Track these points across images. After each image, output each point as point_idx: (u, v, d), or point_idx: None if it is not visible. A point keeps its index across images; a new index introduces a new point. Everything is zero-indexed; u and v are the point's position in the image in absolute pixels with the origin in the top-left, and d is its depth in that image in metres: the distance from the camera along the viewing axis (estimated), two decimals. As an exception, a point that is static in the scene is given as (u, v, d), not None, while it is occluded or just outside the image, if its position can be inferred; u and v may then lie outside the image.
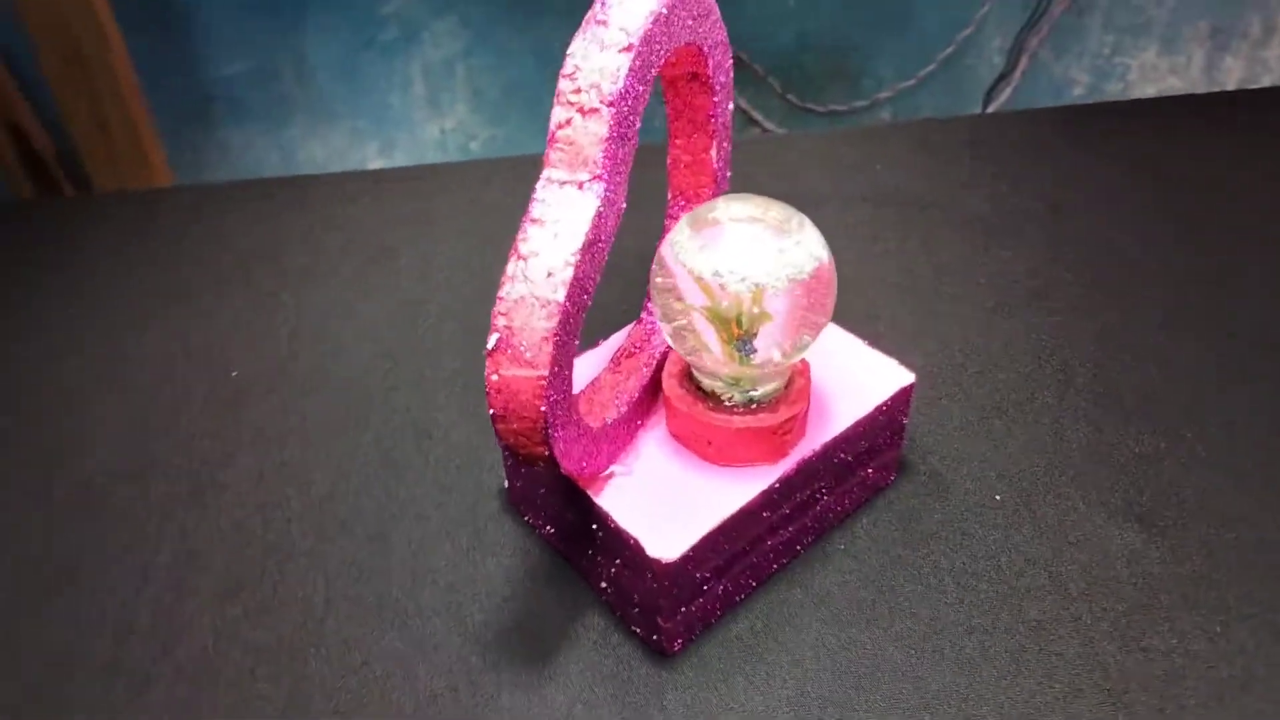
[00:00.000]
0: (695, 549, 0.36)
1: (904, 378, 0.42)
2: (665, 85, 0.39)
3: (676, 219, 0.43)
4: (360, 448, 0.48)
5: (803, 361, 0.40)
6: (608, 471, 0.39)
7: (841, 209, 0.64)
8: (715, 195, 0.42)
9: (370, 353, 0.54)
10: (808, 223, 0.36)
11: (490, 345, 0.31)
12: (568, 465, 0.34)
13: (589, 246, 0.31)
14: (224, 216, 0.66)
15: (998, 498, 0.45)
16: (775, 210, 0.36)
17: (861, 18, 1.17)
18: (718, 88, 0.39)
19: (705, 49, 0.37)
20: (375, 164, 1.17)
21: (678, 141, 0.41)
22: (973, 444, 0.47)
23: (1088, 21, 1.18)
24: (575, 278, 0.31)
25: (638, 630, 0.39)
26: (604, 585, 0.40)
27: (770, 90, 1.19)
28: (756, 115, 1.21)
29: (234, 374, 0.53)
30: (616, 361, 0.41)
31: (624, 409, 0.39)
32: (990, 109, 1.22)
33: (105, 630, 0.41)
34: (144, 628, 0.41)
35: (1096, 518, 0.44)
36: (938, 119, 0.75)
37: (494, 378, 0.31)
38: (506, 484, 0.45)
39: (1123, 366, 0.52)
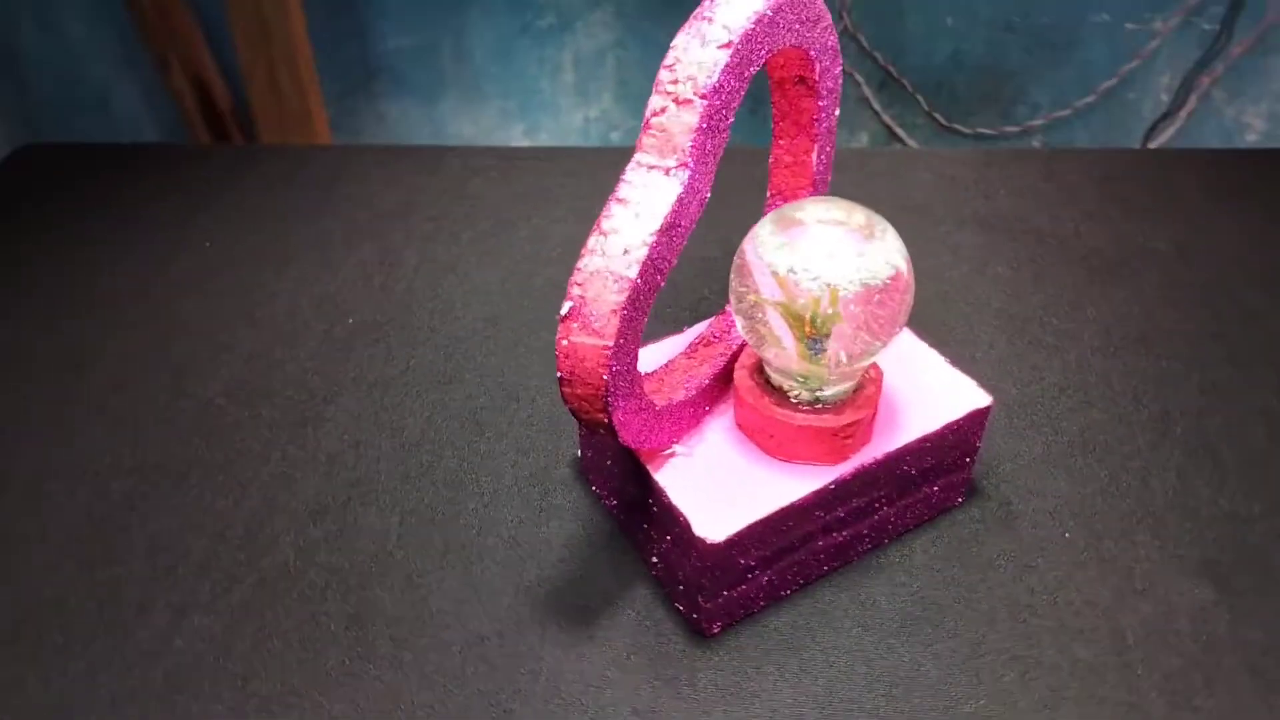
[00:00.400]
0: (741, 535, 0.37)
1: (980, 399, 0.42)
2: (773, 86, 0.40)
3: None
4: (452, 402, 0.51)
5: (877, 370, 0.41)
6: (670, 450, 0.40)
7: (955, 229, 0.63)
8: (814, 194, 0.43)
9: (476, 316, 0.57)
10: (890, 231, 0.37)
11: (563, 312, 0.33)
12: (625, 436, 0.36)
13: (667, 229, 0.33)
14: (367, 176, 0.70)
15: (1067, 535, 0.44)
16: (859, 215, 0.37)
17: (1022, 42, 1.14)
18: (824, 93, 0.40)
19: (813, 54, 0.38)
20: (519, 144, 1.21)
21: (781, 142, 0.42)
22: (1051, 478, 0.47)
23: (1271, 64, 1.12)
24: (649, 257, 0.32)
25: (680, 607, 0.41)
26: (654, 560, 0.42)
27: (917, 107, 1.17)
28: (899, 131, 1.19)
29: (350, 320, 0.57)
30: (694, 348, 0.43)
31: (692, 393, 0.40)
32: (1150, 148, 1.17)
33: (204, 534, 0.45)
34: (236, 537, 0.45)
35: (1168, 570, 0.43)
36: (1071, 149, 0.73)
37: (564, 343, 0.33)
38: (580, 453, 0.47)
39: (1226, 423, 0.50)
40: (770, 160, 0.43)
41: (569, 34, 1.14)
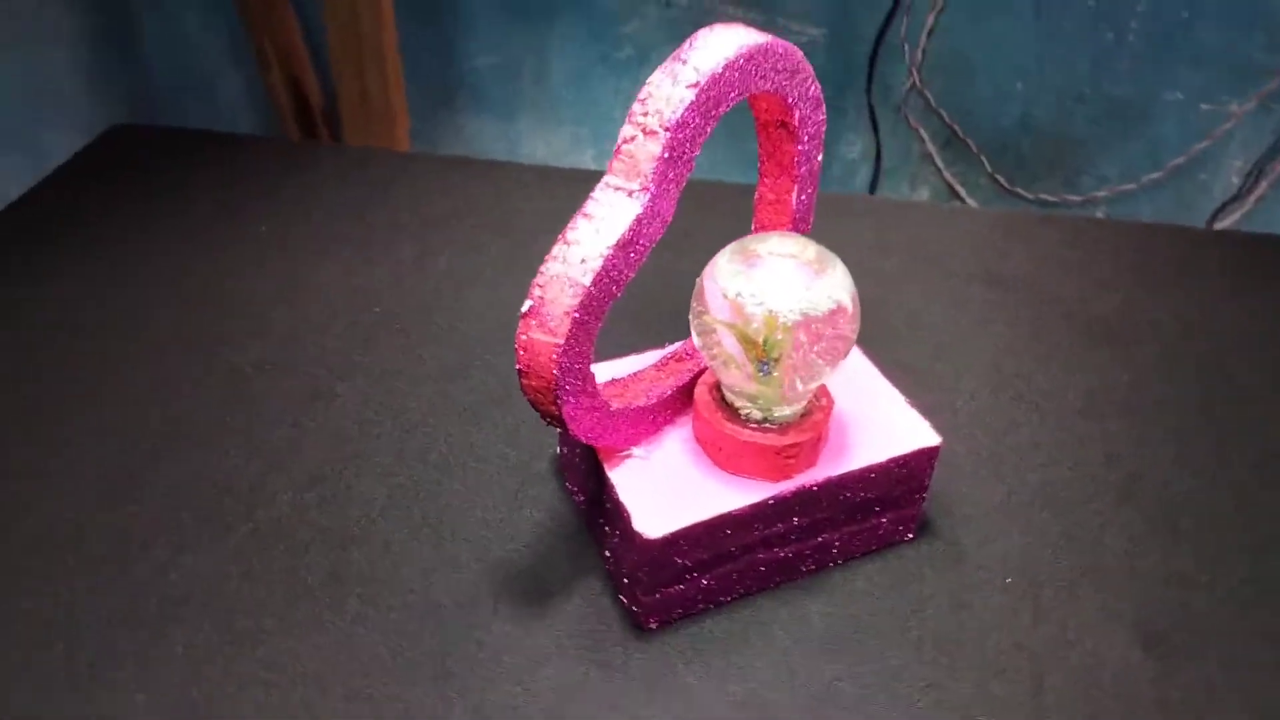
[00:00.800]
0: (678, 535, 0.40)
1: (929, 439, 0.45)
2: (758, 129, 0.44)
3: (754, 250, 0.47)
4: (454, 394, 0.55)
5: (828, 399, 0.44)
6: (628, 452, 0.43)
7: (964, 284, 0.65)
8: (791, 235, 0.46)
9: (491, 320, 0.61)
10: (840, 268, 0.40)
11: (523, 309, 0.37)
12: (575, 429, 0.39)
13: (624, 245, 0.36)
14: (421, 183, 0.75)
15: (1009, 580, 0.46)
16: (811, 251, 0.40)
17: (1091, 112, 1.15)
18: (805, 138, 0.43)
19: (790, 101, 0.41)
20: (587, 167, 1.26)
21: (765, 181, 0.45)
22: (1005, 527, 0.48)
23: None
24: (604, 269, 0.36)
25: (624, 600, 0.44)
26: (606, 554, 0.45)
27: (980, 168, 1.19)
28: (960, 189, 1.21)
29: (376, 310, 0.61)
30: (665, 362, 0.46)
31: (652, 401, 0.43)
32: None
33: (212, 485, 0.49)
34: (240, 491, 0.49)
35: (1103, 625, 0.44)
36: (1094, 220, 0.74)
37: (522, 338, 0.37)
38: (558, 449, 0.50)
39: (1193, 492, 0.51)
40: (756, 196, 0.46)
41: (645, 66, 1.18)
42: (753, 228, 0.47)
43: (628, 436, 0.43)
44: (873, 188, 1.22)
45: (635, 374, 0.45)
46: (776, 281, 0.39)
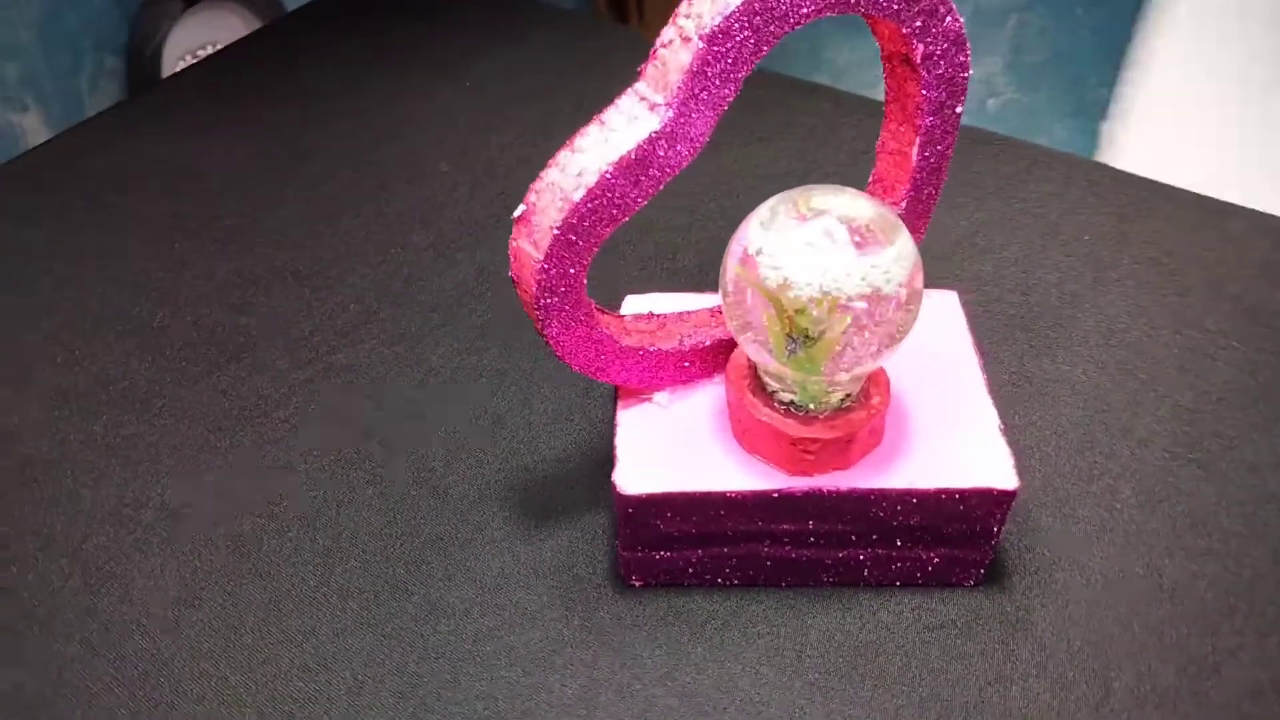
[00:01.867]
0: (658, 499, 0.36)
1: (1003, 480, 0.36)
2: (883, 60, 0.36)
3: (868, 205, 0.40)
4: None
5: (882, 401, 0.36)
6: (649, 396, 0.39)
7: (1209, 302, 0.52)
8: (909, 195, 0.39)
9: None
10: (907, 252, 0.32)
11: (515, 214, 0.33)
12: (562, 354, 0.36)
13: (630, 164, 0.32)
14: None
15: (1072, 674, 0.37)
16: (877, 222, 0.33)
17: None
18: (932, 80, 0.35)
19: (908, 33, 0.33)
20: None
21: (889, 126, 0.38)
22: (1104, 615, 0.39)
23: None
24: (601, 186, 0.32)
25: (616, 546, 0.41)
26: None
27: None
28: None
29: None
30: (718, 310, 0.41)
31: (683, 347, 0.38)
32: None
33: (259, 396, 0.51)
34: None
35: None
36: None
37: (513, 244, 0.34)
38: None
39: (1392, 650, 0.38)
40: (878, 141, 0.39)
41: (982, -13, 1.05)
42: (870, 179, 0.40)
43: (641, 378, 0.38)
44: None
45: (683, 314, 0.40)
46: (812, 250, 0.32)
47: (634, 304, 0.42)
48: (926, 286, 0.44)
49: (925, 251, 0.54)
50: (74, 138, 0.65)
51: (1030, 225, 0.57)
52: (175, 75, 0.74)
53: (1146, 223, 0.57)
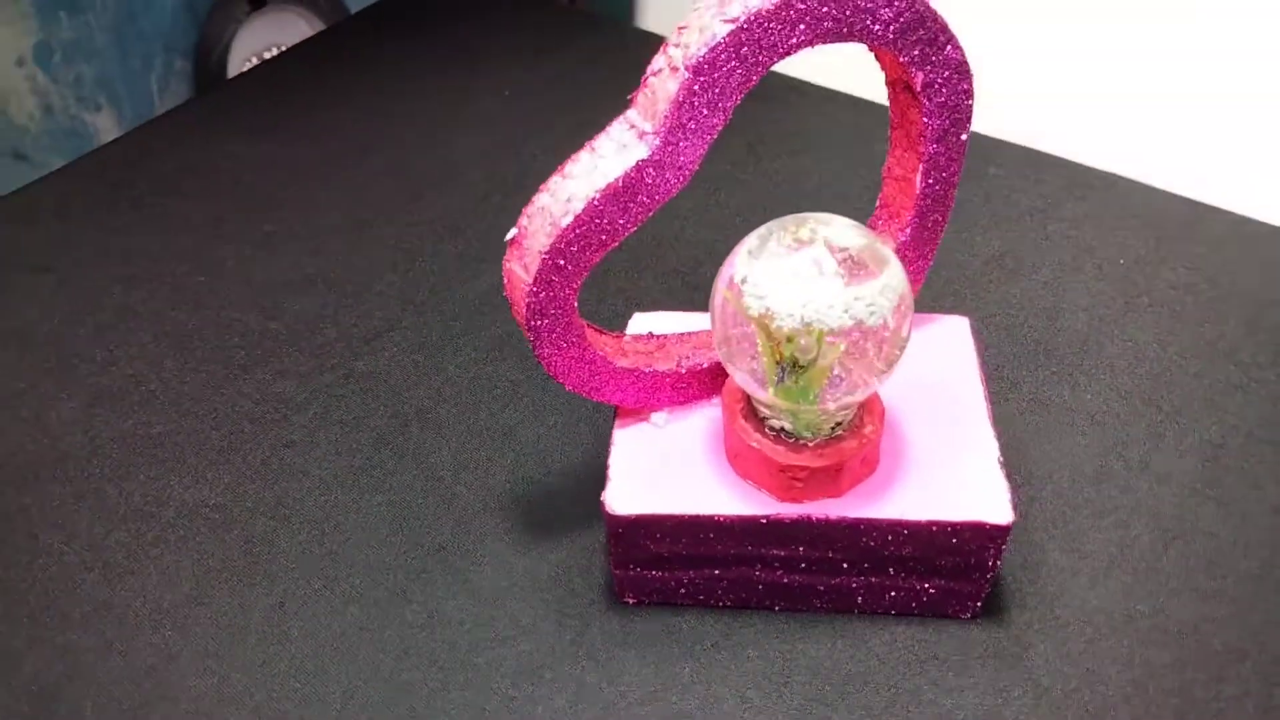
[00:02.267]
0: (647, 520, 0.37)
1: (997, 515, 0.36)
2: (887, 86, 0.36)
3: (874, 228, 0.40)
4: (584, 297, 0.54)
5: (874, 431, 0.36)
6: (646, 416, 0.39)
7: (1243, 332, 0.50)
8: (914, 222, 0.38)
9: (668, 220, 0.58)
10: (894, 285, 0.32)
11: (508, 236, 0.34)
12: (554, 374, 0.36)
13: (618, 192, 0.32)
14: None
15: (1066, 714, 0.36)
16: (866, 253, 0.32)
17: None
18: (933, 108, 0.34)
19: (906, 61, 0.33)
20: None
21: (895, 152, 0.37)
22: (1104, 658, 0.38)
23: None
24: (589, 214, 0.32)
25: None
26: (611, 512, 0.42)
27: None
28: None
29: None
30: (724, 330, 0.41)
31: (680, 369, 0.39)
32: None
33: (281, 400, 0.53)
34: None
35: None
36: None
37: (506, 265, 0.34)
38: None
39: None
40: (884, 167, 0.38)
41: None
42: (877, 204, 0.39)
43: (637, 398, 0.39)
44: None
45: (684, 335, 0.40)
46: (796, 280, 0.32)
47: (640, 322, 0.43)
48: (947, 310, 0.44)
49: (952, 273, 0.54)
50: (134, 140, 0.68)
51: (1063, 247, 0.56)
52: (234, 79, 0.77)
53: (1186, 246, 0.55)
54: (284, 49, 0.84)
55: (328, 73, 0.74)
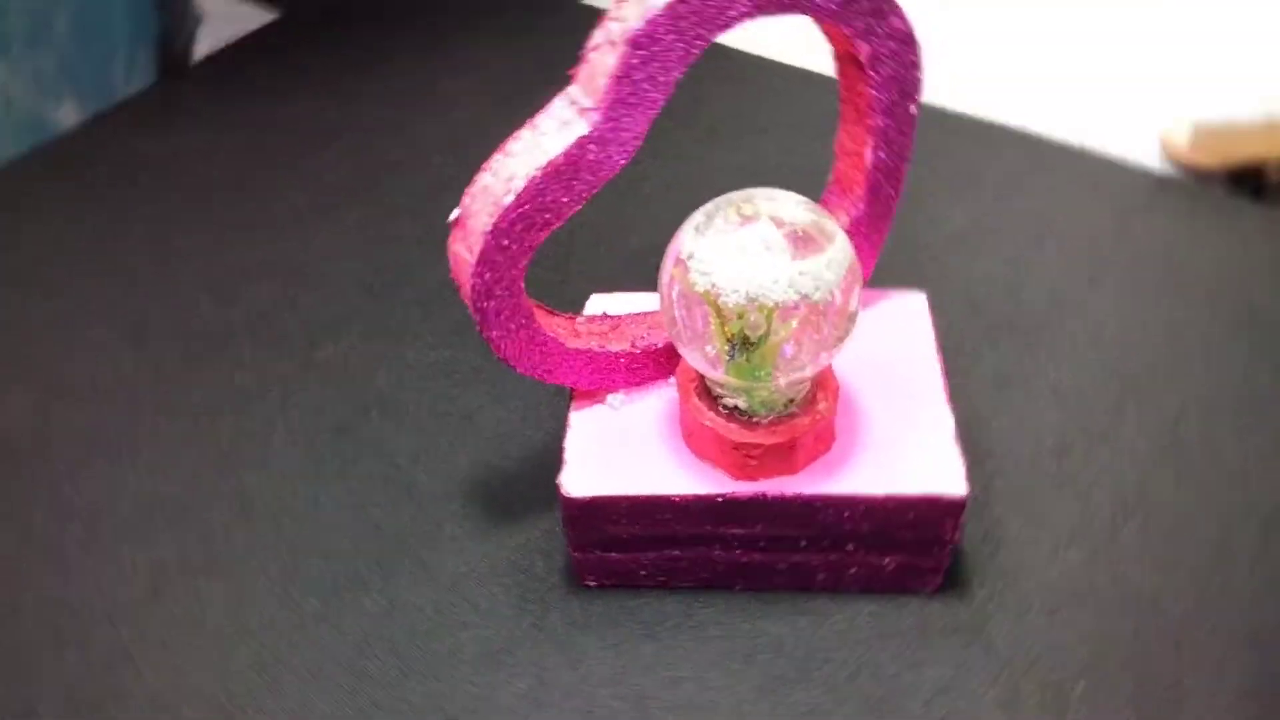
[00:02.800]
0: (604, 502, 0.36)
1: (952, 488, 0.35)
2: (834, 59, 0.35)
3: (827, 204, 0.39)
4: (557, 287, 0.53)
5: (827, 407, 0.36)
6: (603, 398, 0.39)
7: (1216, 312, 0.50)
8: (867, 196, 0.38)
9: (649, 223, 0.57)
10: (840, 259, 0.32)
11: (450, 217, 0.33)
12: (503, 356, 0.36)
13: (558, 170, 0.32)
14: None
15: (1028, 686, 0.36)
16: (813, 228, 0.32)
17: None
18: (881, 81, 0.34)
19: (850, 33, 0.32)
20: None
21: (845, 126, 0.37)
22: (1063, 626, 0.38)
23: None
24: (530, 191, 0.32)
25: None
26: (571, 495, 0.42)
27: None
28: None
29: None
30: (678, 309, 0.40)
31: (635, 350, 0.38)
32: None
33: (237, 390, 0.51)
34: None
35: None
36: None
37: (450, 247, 0.34)
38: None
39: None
40: (835, 143, 0.38)
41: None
42: (830, 178, 0.39)
43: (592, 380, 0.38)
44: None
45: (639, 315, 0.40)
46: (741, 255, 0.32)
47: (597, 303, 0.42)
48: (906, 285, 0.43)
49: (914, 249, 0.54)
50: (89, 130, 0.67)
51: (1028, 221, 0.56)
52: (194, 66, 0.76)
53: (1150, 219, 0.55)
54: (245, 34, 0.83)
55: (288, 58, 0.73)
